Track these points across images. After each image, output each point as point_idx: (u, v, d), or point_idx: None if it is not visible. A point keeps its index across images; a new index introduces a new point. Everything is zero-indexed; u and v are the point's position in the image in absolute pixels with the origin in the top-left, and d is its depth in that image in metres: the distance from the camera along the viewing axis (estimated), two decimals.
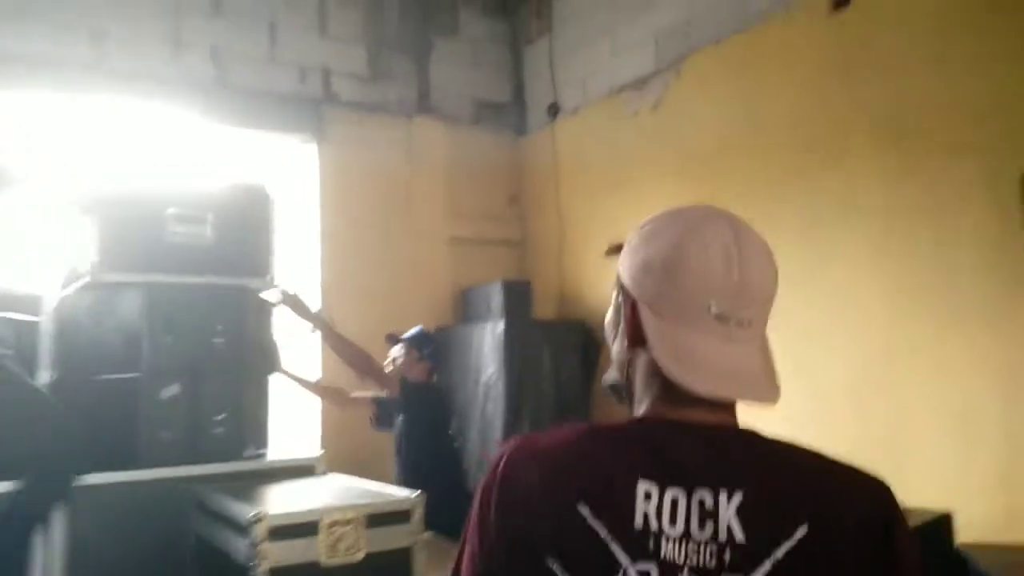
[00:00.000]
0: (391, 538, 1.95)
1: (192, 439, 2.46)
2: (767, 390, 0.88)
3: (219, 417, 2.48)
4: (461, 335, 4.39)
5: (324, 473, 2.59)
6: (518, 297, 4.28)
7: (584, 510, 0.84)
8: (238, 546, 1.88)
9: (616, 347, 0.98)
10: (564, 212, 4.89)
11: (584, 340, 4.28)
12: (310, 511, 1.88)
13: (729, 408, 0.90)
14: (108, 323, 2.59)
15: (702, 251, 0.87)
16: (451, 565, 0.95)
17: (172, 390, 2.44)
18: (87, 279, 2.49)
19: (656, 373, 0.90)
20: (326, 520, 1.86)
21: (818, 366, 3.29)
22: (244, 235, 2.71)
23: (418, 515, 1.98)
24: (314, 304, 4.29)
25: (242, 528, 1.85)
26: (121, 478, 2.31)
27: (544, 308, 4.60)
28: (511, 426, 3.94)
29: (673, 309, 0.88)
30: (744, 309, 0.87)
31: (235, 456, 2.52)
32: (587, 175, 4.74)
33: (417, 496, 2.00)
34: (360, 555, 1.89)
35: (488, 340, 4.12)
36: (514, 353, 4.03)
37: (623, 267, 0.95)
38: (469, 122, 5.16)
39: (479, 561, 0.90)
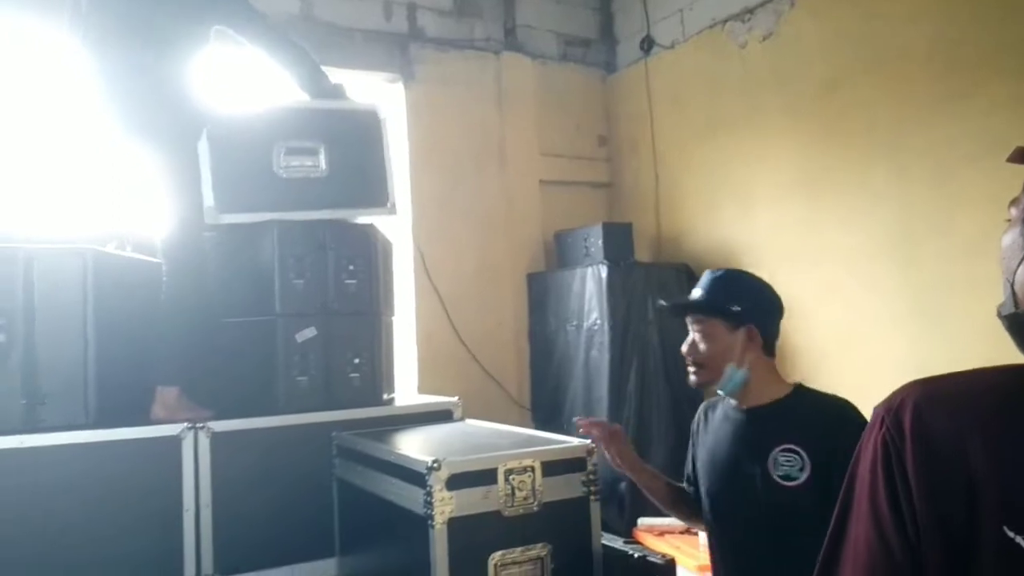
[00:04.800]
0: (566, 487, 1.83)
1: (328, 383, 2.37)
2: None
3: (356, 361, 2.39)
4: (558, 280, 4.24)
5: (462, 419, 2.49)
6: (619, 240, 4.10)
7: None
8: (409, 494, 1.78)
9: None
10: (659, 152, 4.68)
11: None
12: (488, 457, 1.76)
13: None
14: (233, 264, 2.49)
15: None
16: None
17: (308, 333, 2.34)
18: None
19: None
20: (503, 467, 1.75)
21: (953, 321, 3.09)
22: (359, 161, 2.57)
23: (592, 463, 1.86)
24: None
25: (416, 476, 1.74)
26: (264, 423, 2.23)
27: (640, 252, 4.42)
28: (618, 373, 3.81)
29: None
30: None
31: (372, 401, 2.43)
32: (685, 113, 4.51)
33: (591, 444, 1.87)
34: (536, 505, 1.78)
35: (590, 285, 3.96)
36: (618, 298, 3.88)
37: None
38: (557, 59, 4.94)
39: (896, 544, 0.74)
